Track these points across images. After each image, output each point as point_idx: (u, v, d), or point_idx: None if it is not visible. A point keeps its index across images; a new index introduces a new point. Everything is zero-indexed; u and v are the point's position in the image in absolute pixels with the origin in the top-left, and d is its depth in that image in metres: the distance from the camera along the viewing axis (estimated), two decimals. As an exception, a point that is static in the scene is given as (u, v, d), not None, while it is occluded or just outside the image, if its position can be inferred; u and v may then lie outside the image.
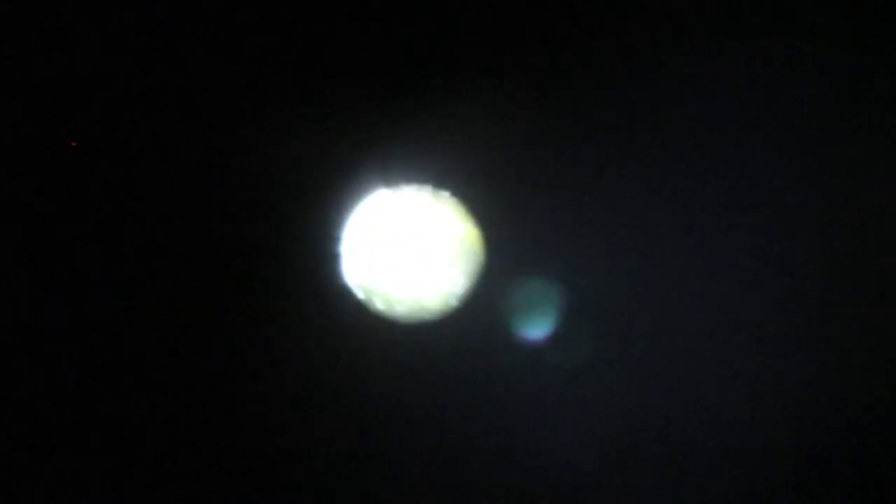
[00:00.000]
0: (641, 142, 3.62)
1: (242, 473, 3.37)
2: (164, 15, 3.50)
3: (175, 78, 3.52)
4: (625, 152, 3.59)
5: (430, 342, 3.26)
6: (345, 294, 3.27)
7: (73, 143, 3.55)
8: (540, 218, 3.39)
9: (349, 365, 3.26)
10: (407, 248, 3.26)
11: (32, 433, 3.50)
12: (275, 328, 3.29)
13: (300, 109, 3.38)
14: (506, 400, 3.28)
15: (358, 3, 3.40)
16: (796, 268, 3.65)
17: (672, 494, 3.62)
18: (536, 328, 3.31)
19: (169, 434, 3.46)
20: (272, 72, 3.44)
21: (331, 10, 3.39)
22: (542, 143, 3.50)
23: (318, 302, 3.27)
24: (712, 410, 3.60)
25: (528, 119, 3.50)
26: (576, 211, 3.50)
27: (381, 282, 3.24)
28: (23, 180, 3.51)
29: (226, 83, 3.44)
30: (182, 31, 3.44)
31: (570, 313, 3.49)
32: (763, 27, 3.59)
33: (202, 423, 3.41)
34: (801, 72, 3.58)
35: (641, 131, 3.62)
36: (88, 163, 3.57)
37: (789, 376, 3.63)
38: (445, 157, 3.31)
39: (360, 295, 3.23)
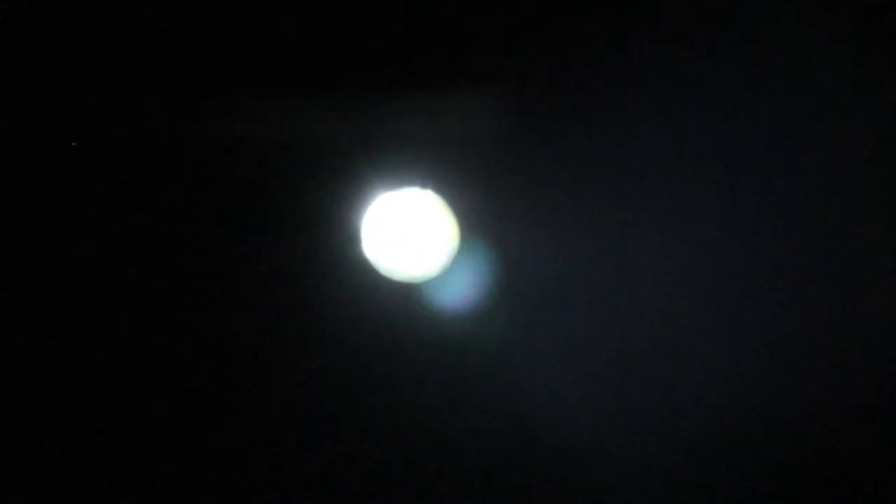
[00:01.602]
0: (620, 142, 3.65)
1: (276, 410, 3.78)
2: (162, 15, 3.52)
3: (172, 80, 3.59)
4: (602, 156, 3.68)
5: (421, 294, 3.90)
6: (365, 264, 3.84)
7: (73, 143, 3.48)
8: (507, 212, 3.74)
9: (368, 308, 3.89)
10: (406, 232, 3.86)
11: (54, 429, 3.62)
12: (318, 288, 3.86)
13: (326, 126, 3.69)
14: (474, 331, 3.84)
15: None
16: (760, 254, 3.63)
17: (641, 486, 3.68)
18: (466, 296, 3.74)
19: (205, 398, 3.75)
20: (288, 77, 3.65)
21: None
22: (508, 150, 3.74)
23: (348, 270, 3.86)
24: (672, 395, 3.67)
25: (496, 128, 3.71)
26: (541, 204, 3.72)
27: (389, 256, 3.87)
28: (22, 180, 3.57)
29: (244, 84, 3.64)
30: (172, 37, 3.54)
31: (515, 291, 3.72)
32: (753, 28, 3.57)
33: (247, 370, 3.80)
34: (789, 71, 3.59)
35: (622, 132, 3.64)
36: (114, 153, 3.59)
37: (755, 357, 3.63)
38: (431, 166, 3.80)
39: (376, 265, 3.87)
